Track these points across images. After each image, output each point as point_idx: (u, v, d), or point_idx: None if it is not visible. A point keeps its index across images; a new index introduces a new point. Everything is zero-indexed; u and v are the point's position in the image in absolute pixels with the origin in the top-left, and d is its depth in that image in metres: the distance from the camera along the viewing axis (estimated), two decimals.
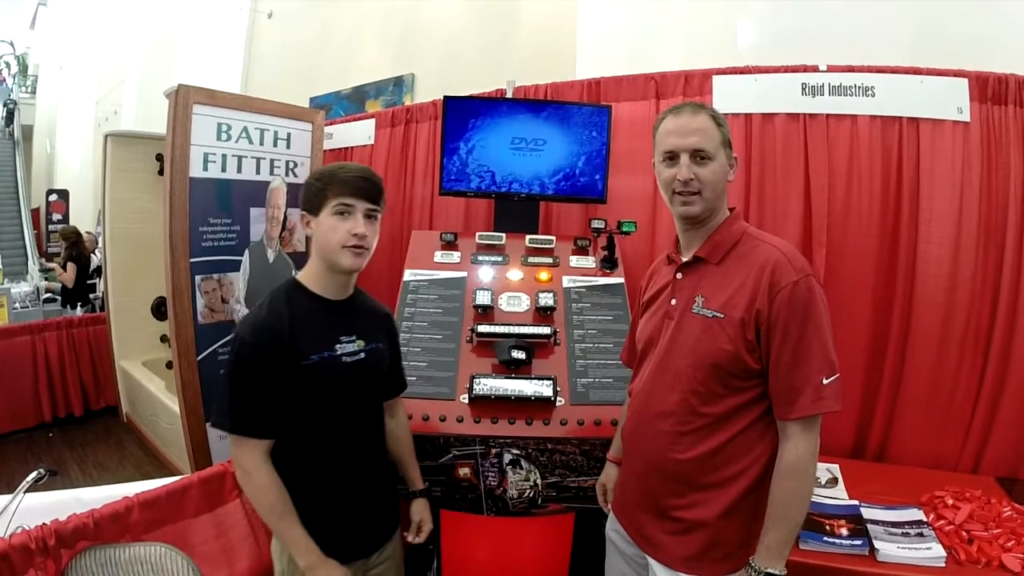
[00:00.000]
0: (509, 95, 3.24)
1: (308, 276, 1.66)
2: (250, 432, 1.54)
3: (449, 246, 2.79)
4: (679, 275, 1.62)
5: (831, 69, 2.76)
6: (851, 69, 2.73)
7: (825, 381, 1.40)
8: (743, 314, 1.44)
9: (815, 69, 2.78)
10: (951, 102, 2.61)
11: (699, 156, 1.51)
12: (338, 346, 1.64)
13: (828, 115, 2.75)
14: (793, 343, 1.41)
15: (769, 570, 1.40)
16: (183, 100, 3.08)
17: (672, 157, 1.54)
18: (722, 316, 1.48)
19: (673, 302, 1.61)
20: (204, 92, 3.19)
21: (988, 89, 2.59)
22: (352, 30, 5.63)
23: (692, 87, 2.96)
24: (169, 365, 4.19)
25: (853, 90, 2.72)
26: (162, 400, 4.33)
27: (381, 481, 1.82)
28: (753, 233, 1.58)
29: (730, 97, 2.88)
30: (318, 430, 1.62)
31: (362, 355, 1.68)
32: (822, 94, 2.76)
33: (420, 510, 1.94)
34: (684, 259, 1.62)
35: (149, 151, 4.91)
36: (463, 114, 2.91)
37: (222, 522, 2.12)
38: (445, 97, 2.93)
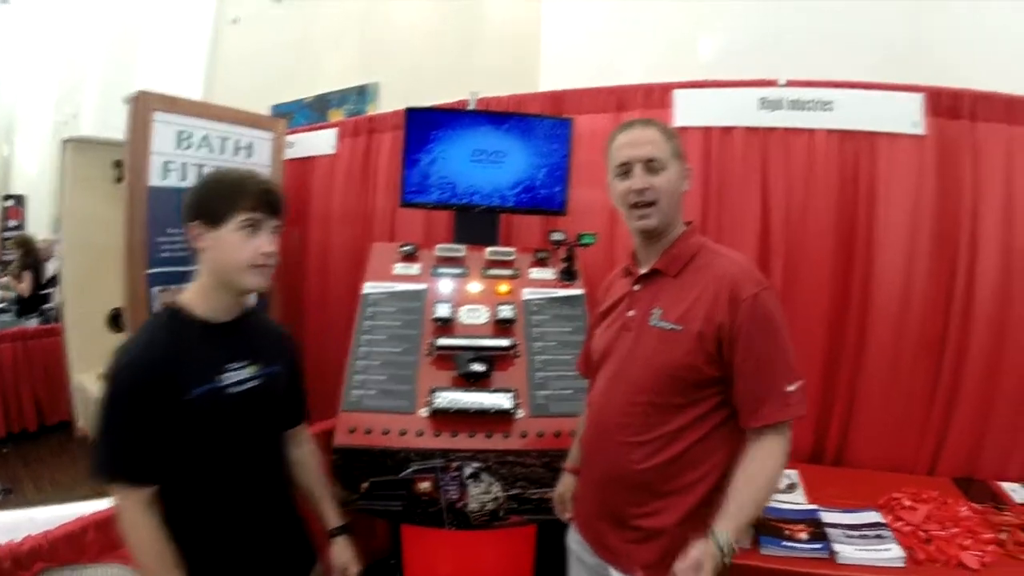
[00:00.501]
0: (472, 107, 3.25)
1: (193, 297, 1.47)
2: (130, 479, 1.36)
3: (409, 258, 2.77)
4: (637, 287, 1.64)
5: (790, 84, 2.81)
6: (810, 84, 2.79)
7: (790, 388, 1.44)
8: (702, 326, 1.47)
9: (774, 83, 2.83)
10: (907, 116, 2.68)
11: (652, 166, 1.54)
12: (225, 375, 1.45)
13: (786, 129, 2.80)
14: (757, 353, 1.44)
15: (732, 543, 1.39)
16: (143, 107, 3.02)
17: (626, 171, 1.57)
18: (680, 328, 1.50)
19: (631, 313, 1.62)
20: (164, 99, 3.14)
21: (943, 103, 2.66)
22: (316, 37, 5.58)
23: (653, 100, 2.98)
24: None
25: (811, 104, 2.77)
26: None
27: (283, 521, 1.65)
28: (710, 247, 1.61)
29: (690, 111, 2.91)
30: (207, 471, 1.45)
31: (254, 382, 1.51)
32: (781, 108, 2.81)
33: (341, 551, 1.74)
34: (642, 271, 1.64)
35: (108, 157, 4.73)
36: (425, 126, 2.91)
37: None
38: (408, 109, 2.93)
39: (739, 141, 2.87)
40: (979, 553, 2.03)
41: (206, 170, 3.33)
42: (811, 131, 2.77)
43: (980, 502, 2.37)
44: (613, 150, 1.63)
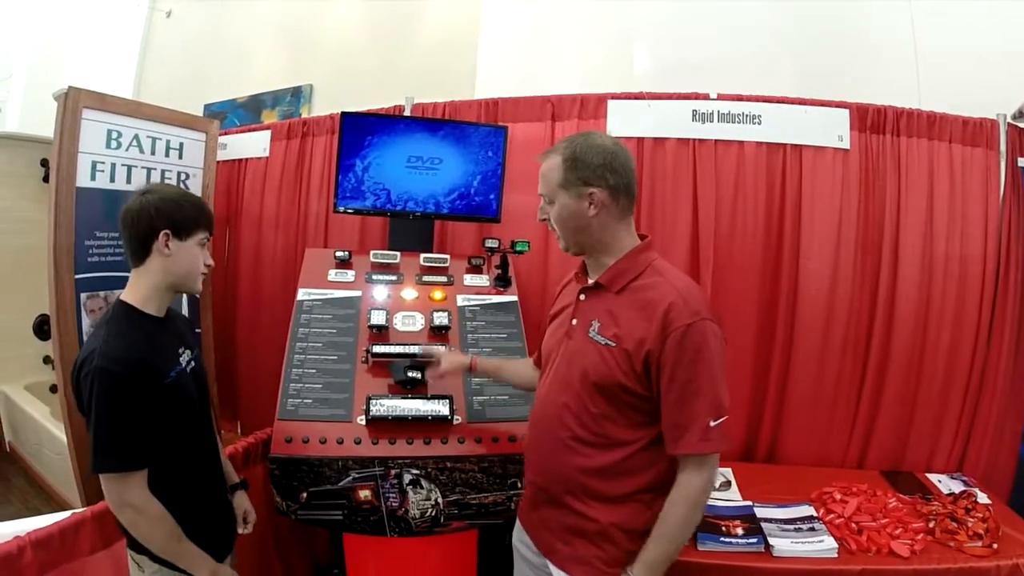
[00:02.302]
0: (408, 112, 3.27)
1: (140, 296, 1.67)
2: (138, 465, 1.54)
3: (343, 264, 2.78)
4: (582, 296, 1.69)
5: (721, 97, 2.95)
6: (740, 98, 2.93)
7: (712, 423, 1.47)
8: (633, 347, 1.51)
9: (706, 97, 2.97)
10: (833, 131, 2.86)
11: (545, 199, 1.67)
12: (181, 358, 1.72)
13: (717, 140, 2.93)
14: (681, 384, 1.47)
15: None
16: (72, 104, 2.95)
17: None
18: (613, 345, 1.55)
19: (573, 322, 1.68)
20: (95, 96, 3.06)
21: (868, 119, 2.85)
22: (251, 36, 5.51)
23: (587, 110, 3.07)
24: (54, 389, 4.03)
25: (741, 118, 2.91)
26: (47, 427, 3.97)
27: (223, 481, 1.93)
28: (658, 267, 1.61)
29: (624, 121, 3.01)
30: (181, 444, 1.68)
31: (194, 363, 1.78)
32: (712, 121, 2.93)
33: (241, 502, 1.99)
34: (589, 281, 1.69)
35: (34, 156, 4.54)
36: (360, 130, 2.92)
37: (119, 559, 2.04)
38: (342, 113, 2.93)
39: (671, 152, 2.97)
40: (909, 542, 2.18)
41: (136, 171, 3.27)
42: (741, 143, 2.90)
43: (908, 493, 2.55)
44: None
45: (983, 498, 2.50)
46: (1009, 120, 2.85)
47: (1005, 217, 2.82)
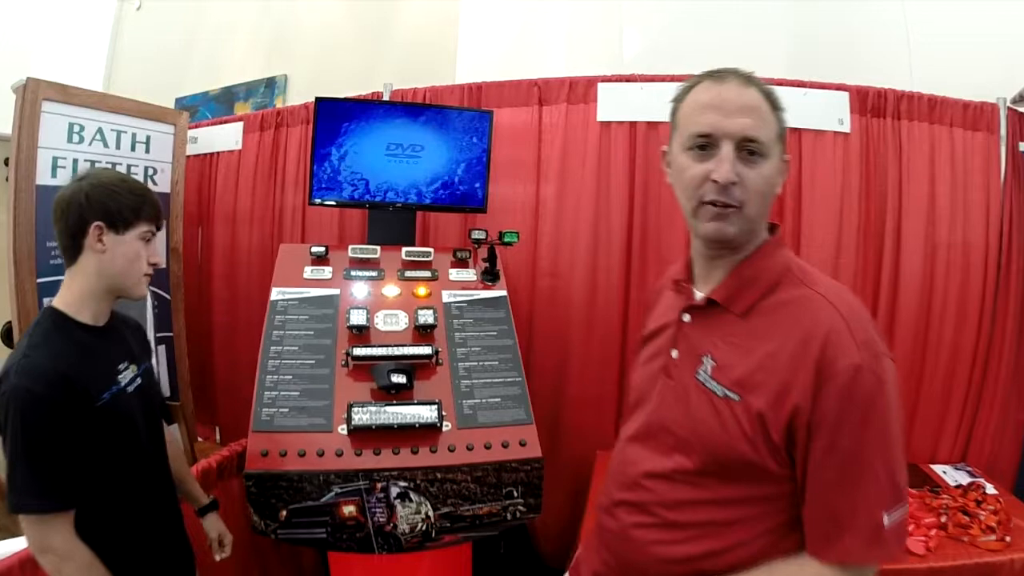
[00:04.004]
0: (386, 99, 3.05)
1: (74, 303, 1.42)
2: (61, 505, 1.29)
3: (320, 260, 2.53)
4: (687, 318, 1.18)
5: None
6: None
7: (887, 518, 0.97)
8: (768, 404, 1.01)
9: None
10: (833, 114, 2.70)
11: (749, 149, 1.05)
12: (120, 376, 1.45)
13: None
14: (844, 457, 0.97)
15: None
16: (32, 96, 2.68)
17: (705, 146, 1.07)
18: (737, 399, 1.04)
19: (674, 354, 1.18)
20: (56, 87, 2.79)
21: (868, 102, 2.71)
22: (223, 26, 5.18)
23: (576, 94, 2.88)
24: None
25: None
26: None
27: (177, 513, 1.68)
28: (798, 272, 1.11)
29: (615, 105, 2.83)
30: (116, 477, 1.42)
31: (139, 380, 1.52)
32: None
33: (214, 524, 1.82)
34: (697, 295, 1.18)
35: None
36: (336, 117, 2.67)
37: None
38: (317, 99, 2.69)
39: (665, 135, 2.74)
40: (923, 538, 2.07)
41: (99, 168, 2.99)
42: None
43: (916, 486, 2.42)
44: (691, 109, 1.12)
45: (990, 489, 2.41)
46: (1009, 104, 2.72)
47: (1006, 203, 2.71)
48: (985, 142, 2.73)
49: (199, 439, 3.37)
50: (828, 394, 0.97)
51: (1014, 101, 2.72)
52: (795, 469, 1.02)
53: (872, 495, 0.98)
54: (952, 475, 2.58)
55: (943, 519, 2.19)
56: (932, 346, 2.74)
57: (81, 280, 1.43)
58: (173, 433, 1.78)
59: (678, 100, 1.16)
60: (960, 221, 2.72)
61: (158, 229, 1.51)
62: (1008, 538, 2.09)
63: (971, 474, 2.60)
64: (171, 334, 3.19)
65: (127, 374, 1.47)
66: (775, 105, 1.11)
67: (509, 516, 2.06)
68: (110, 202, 1.40)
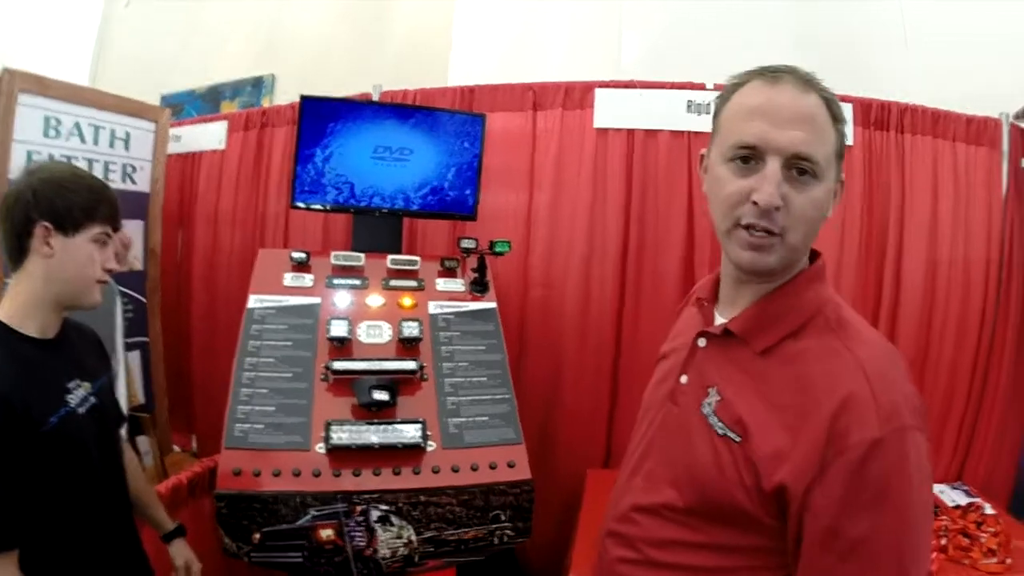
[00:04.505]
0: (375, 100, 2.93)
1: (17, 313, 1.26)
2: (4, 544, 1.12)
3: (300, 267, 2.36)
4: (701, 342, 1.05)
5: (717, 88, 2.64)
6: None
7: None
8: (765, 457, 0.88)
9: (702, 87, 2.70)
10: None
11: (799, 168, 0.90)
12: (70, 396, 1.28)
13: None
14: (847, 545, 0.82)
15: None
16: (7, 87, 2.53)
17: (751, 158, 0.91)
18: (737, 440, 0.92)
19: (683, 380, 1.05)
20: (32, 79, 2.65)
21: (871, 115, 2.65)
22: (212, 23, 5.06)
23: (573, 99, 2.78)
24: None
25: None
26: None
27: (135, 541, 1.51)
28: (832, 315, 0.95)
29: (613, 111, 2.74)
30: (66, 510, 1.25)
31: (93, 399, 1.34)
32: (708, 112, 2.65)
33: (181, 551, 1.67)
34: (717, 320, 1.05)
35: None
36: (322, 117, 2.53)
37: None
38: (302, 97, 2.56)
39: (664, 145, 2.71)
40: None
41: (76, 164, 2.77)
42: None
43: None
44: (737, 112, 0.95)
45: (989, 510, 2.34)
46: (1012, 119, 2.66)
47: (1008, 219, 2.66)
48: (987, 157, 2.68)
49: (175, 448, 3.22)
50: (838, 470, 0.82)
51: (1017, 117, 2.67)
52: (786, 528, 0.88)
53: None
54: (949, 495, 2.51)
55: (943, 541, 2.13)
56: (932, 363, 2.67)
57: (27, 287, 1.27)
58: (140, 446, 1.62)
59: (723, 99, 0.99)
60: (961, 237, 2.67)
61: (115, 230, 1.34)
62: (1009, 560, 2.04)
63: (968, 493, 2.53)
64: (146, 339, 3.04)
65: (78, 393, 1.30)
66: (837, 116, 0.94)
67: (496, 540, 1.94)
68: (59, 200, 1.24)
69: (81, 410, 1.29)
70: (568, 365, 2.80)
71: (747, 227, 0.90)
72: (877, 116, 2.66)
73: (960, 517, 2.29)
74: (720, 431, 0.94)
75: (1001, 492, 2.65)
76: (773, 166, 0.88)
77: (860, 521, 0.81)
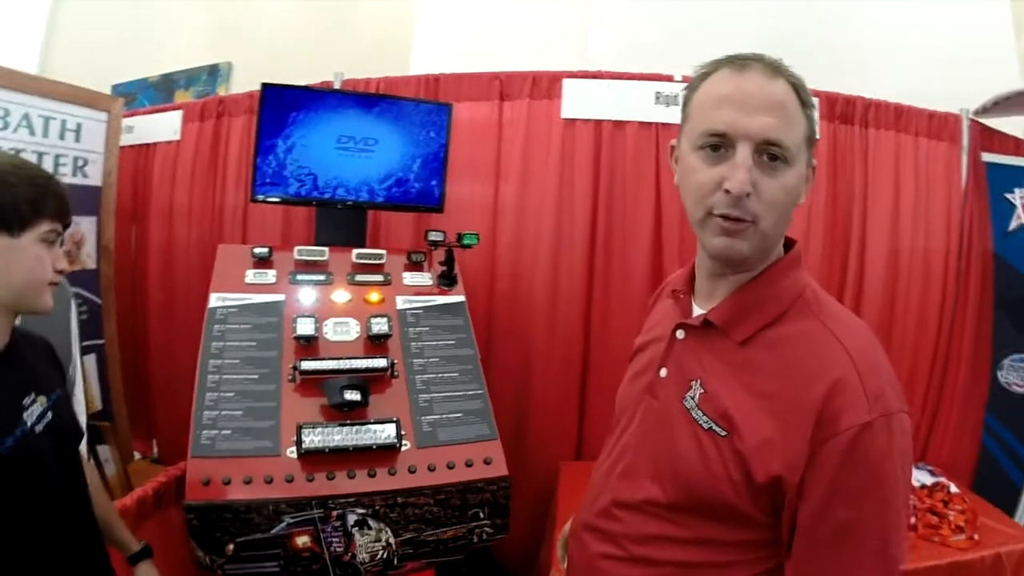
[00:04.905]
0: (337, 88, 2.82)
1: None
2: None
3: (262, 263, 2.25)
4: (680, 334, 1.04)
5: (685, 79, 2.61)
6: None
7: None
8: (755, 451, 0.87)
9: (670, 79, 2.69)
10: None
11: (770, 154, 0.88)
12: (26, 414, 1.13)
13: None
14: (837, 526, 0.83)
15: None
16: None
17: (721, 145, 0.90)
18: (723, 434, 0.90)
19: (663, 373, 1.04)
20: None
21: (837, 108, 2.68)
22: (166, 9, 4.82)
23: (540, 89, 2.72)
24: None
25: None
26: None
27: (106, 567, 1.37)
28: (812, 301, 0.95)
29: (581, 102, 2.69)
30: (28, 539, 1.11)
31: (49, 415, 1.20)
32: (676, 104, 2.59)
33: (148, 574, 1.51)
34: (695, 311, 1.04)
35: None
36: (283, 106, 2.41)
37: None
38: (263, 84, 2.43)
39: (632, 136, 2.69)
40: None
41: (25, 158, 2.62)
42: None
43: None
44: (706, 100, 0.93)
45: (954, 488, 2.41)
46: (971, 116, 2.75)
47: (967, 212, 2.77)
48: (948, 151, 2.78)
49: (136, 455, 3.06)
50: (828, 455, 0.82)
51: (976, 113, 2.75)
52: (780, 518, 0.89)
53: (863, 566, 0.84)
54: (915, 475, 2.54)
55: (913, 520, 2.17)
56: (895, 349, 2.73)
57: None
58: (101, 455, 1.48)
59: (692, 89, 0.98)
60: (922, 228, 2.76)
61: (65, 227, 1.20)
62: (976, 536, 2.11)
63: (932, 473, 2.58)
64: (102, 342, 2.88)
65: (34, 409, 1.16)
66: (805, 102, 0.92)
67: (475, 539, 1.89)
68: (3, 195, 1.10)
69: (38, 428, 1.16)
70: (537, 357, 2.76)
71: (721, 216, 0.89)
72: (842, 110, 2.70)
73: (927, 496, 2.33)
74: (705, 425, 0.93)
75: (964, 472, 2.73)
76: (743, 152, 0.87)
77: (848, 504, 0.83)
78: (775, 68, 0.91)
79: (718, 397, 0.93)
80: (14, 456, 1.07)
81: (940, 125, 2.77)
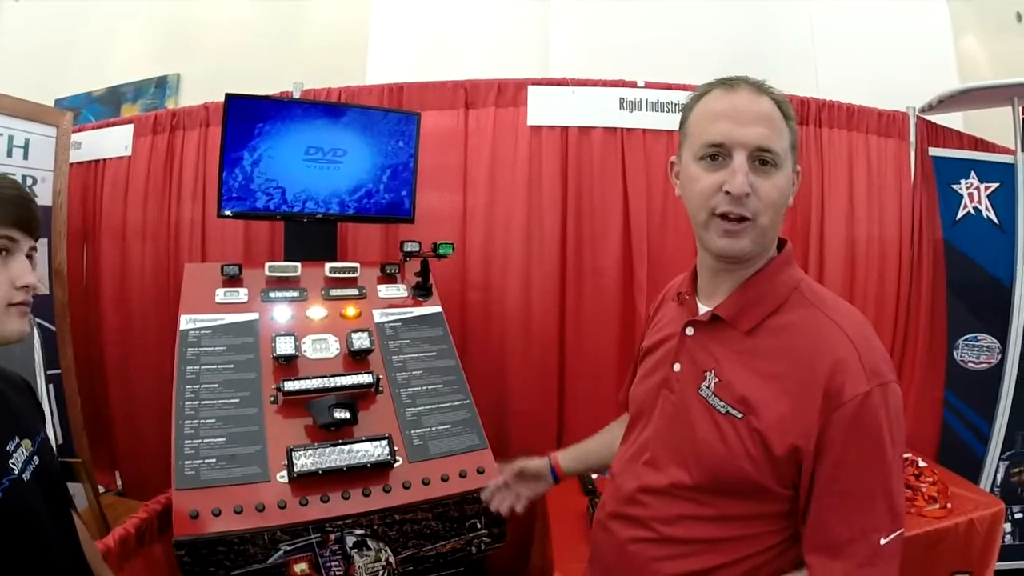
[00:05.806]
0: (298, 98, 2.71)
1: None
2: None
3: (233, 281, 2.13)
4: (689, 331, 1.12)
5: (649, 85, 2.72)
6: (668, 87, 2.72)
7: (883, 540, 0.94)
8: (772, 427, 0.97)
9: (633, 85, 2.72)
10: None
11: (762, 159, 0.99)
12: (11, 461, 0.99)
13: (646, 130, 2.70)
14: (847, 484, 0.94)
15: None
16: None
17: (720, 155, 1.00)
18: (740, 416, 1.00)
19: (676, 367, 1.12)
20: None
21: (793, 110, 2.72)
22: (110, 18, 4.55)
23: (506, 97, 2.69)
24: None
25: (670, 107, 2.70)
26: None
27: None
28: (807, 291, 1.05)
29: (546, 109, 2.69)
30: None
31: (36, 459, 1.06)
32: (640, 109, 2.70)
33: None
34: (701, 309, 1.12)
35: None
36: (249, 117, 2.28)
37: None
38: (227, 95, 2.29)
39: (598, 142, 2.69)
40: None
41: None
42: (671, 132, 2.64)
43: None
44: (702, 117, 1.05)
45: (922, 462, 2.45)
46: (917, 113, 2.88)
47: (916, 203, 2.88)
48: (897, 147, 2.90)
49: (101, 489, 2.85)
50: (835, 423, 0.94)
51: (922, 110, 2.88)
52: (797, 490, 0.99)
53: (872, 522, 0.95)
54: None
55: None
56: None
57: None
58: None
59: (688, 109, 1.10)
60: (876, 219, 2.87)
61: (28, 234, 1.05)
62: (949, 505, 2.21)
63: None
64: (58, 371, 2.65)
65: (20, 455, 1.02)
66: (787, 114, 1.04)
67: (474, 550, 1.85)
68: None
69: (26, 476, 1.02)
70: (513, 365, 2.71)
71: (723, 216, 1.00)
72: (797, 111, 2.70)
73: None
74: (722, 410, 1.02)
75: (928, 447, 2.83)
76: (740, 159, 0.98)
77: (859, 463, 0.94)
78: (760, 87, 1.03)
79: (732, 384, 1.03)
80: (4, 507, 0.94)
81: (889, 123, 2.88)
